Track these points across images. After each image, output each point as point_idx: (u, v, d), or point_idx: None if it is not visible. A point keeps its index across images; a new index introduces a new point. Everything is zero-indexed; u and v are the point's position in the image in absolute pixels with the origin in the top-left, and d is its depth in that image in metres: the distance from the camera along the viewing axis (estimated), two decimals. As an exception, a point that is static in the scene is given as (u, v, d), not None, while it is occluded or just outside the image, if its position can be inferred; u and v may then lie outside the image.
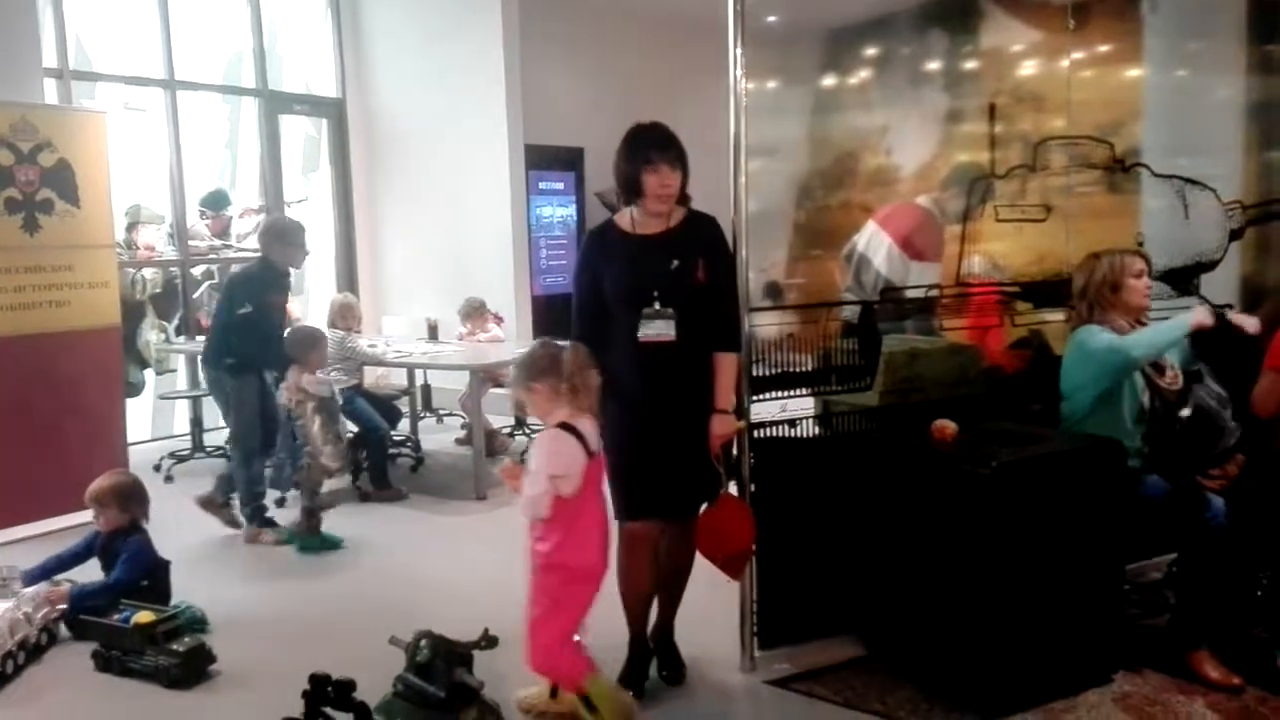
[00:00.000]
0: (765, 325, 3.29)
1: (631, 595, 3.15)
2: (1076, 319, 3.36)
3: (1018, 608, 2.84)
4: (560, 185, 8.90)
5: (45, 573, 3.84)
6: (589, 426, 2.77)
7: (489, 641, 2.74)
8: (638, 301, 2.94)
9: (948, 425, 3.05)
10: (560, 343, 2.93)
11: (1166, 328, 3.17)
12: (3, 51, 5.22)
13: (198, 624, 3.65)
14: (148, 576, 3.80)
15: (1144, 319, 3.31)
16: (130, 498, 3.94)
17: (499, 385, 6.81)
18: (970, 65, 4.69)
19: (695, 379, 2.99)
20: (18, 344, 5.00)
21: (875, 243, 3.72)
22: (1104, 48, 4.21)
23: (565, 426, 2.73)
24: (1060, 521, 2.88)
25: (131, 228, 6.97)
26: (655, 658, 3.23)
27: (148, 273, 7.20)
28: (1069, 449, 3.07)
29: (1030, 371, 3.77)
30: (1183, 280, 3.86)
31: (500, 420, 6.90)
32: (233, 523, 5.01)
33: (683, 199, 3.01)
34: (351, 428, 5.93)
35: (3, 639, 3.38)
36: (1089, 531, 2.94)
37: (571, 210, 9.02)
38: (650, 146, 2.93)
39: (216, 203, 7.62)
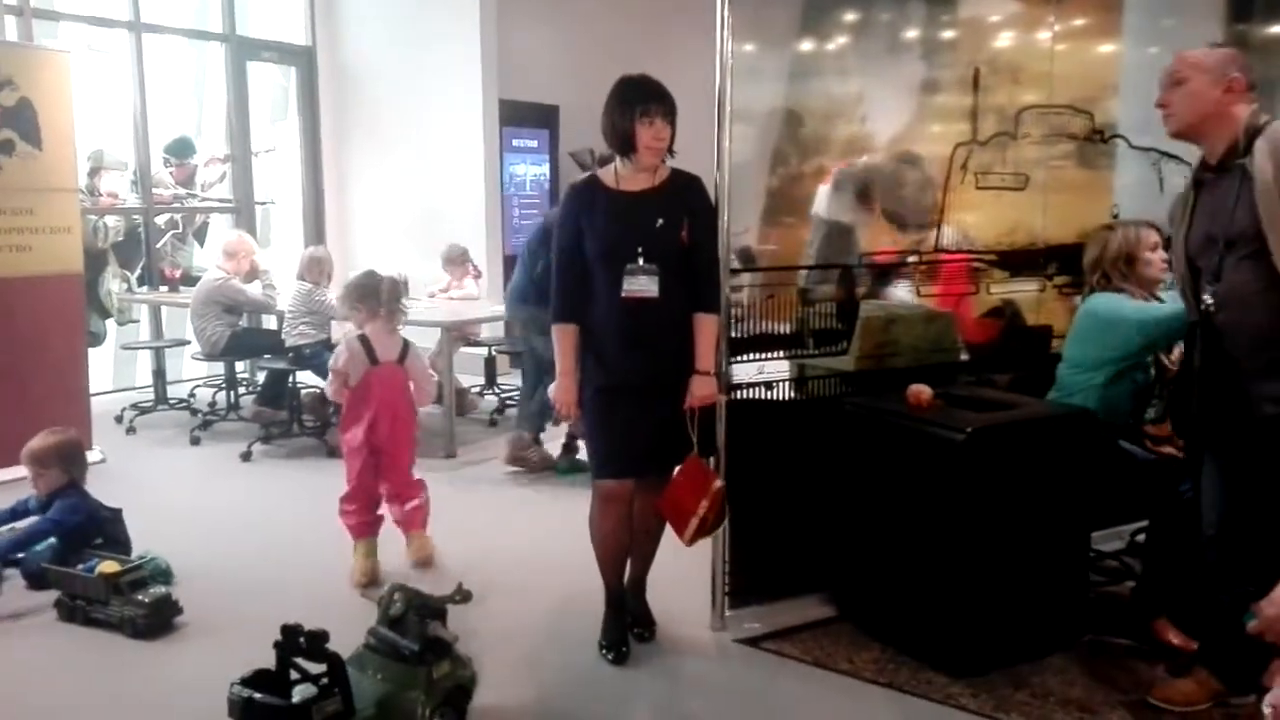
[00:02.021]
0: (743, 288, 3.28)
1: (605, 552, 3.16)
2: (1088, 289, 3.36)
3: (987, 571, 2.88)
4: (534, 143, 8.78)
5: None
6: (385, 341, 3.75)
7: (463, 596, 2.73)
8: (621, 257, 2.92)
9: (923, 390, 3.07)
10: (382, 274, 3.90)
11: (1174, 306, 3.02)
12: (-40, -15, 5.04)
13: (162, 575, 3.61)
14: (95, 529, 3.72)
15: (1157, 293, 3.31)
16: (73, 457, 3.81)
17: (470, 344, 6.77)
18: (949, 34, 4.68)
19: (675, 338, 2.98)
20: (-24, 288, 4.88)
21: (819, 196, 3.74)
22: (1084, 21, 4.22)
23: (361, 338, 3.71)
24: (1031, 488, 2.92)
25: (94, 173, 6.80)
26: (627, 614, 3.24)
27: (110, 220, 7.03)
28: (1042, 416, 3.10)
29: (1002, 340, 3.80)
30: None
31: (470, 379, 6.86)
32: (546, 460, 5.09)
33: (670, 153, 2.98)
34: (319, 383, 5.89)
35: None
36: (1059, 498, 2.98)
37: (545, 170, 8.92)
38: (646, 98, 2.89)
39: (181, 150, 7.45)
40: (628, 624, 3.21)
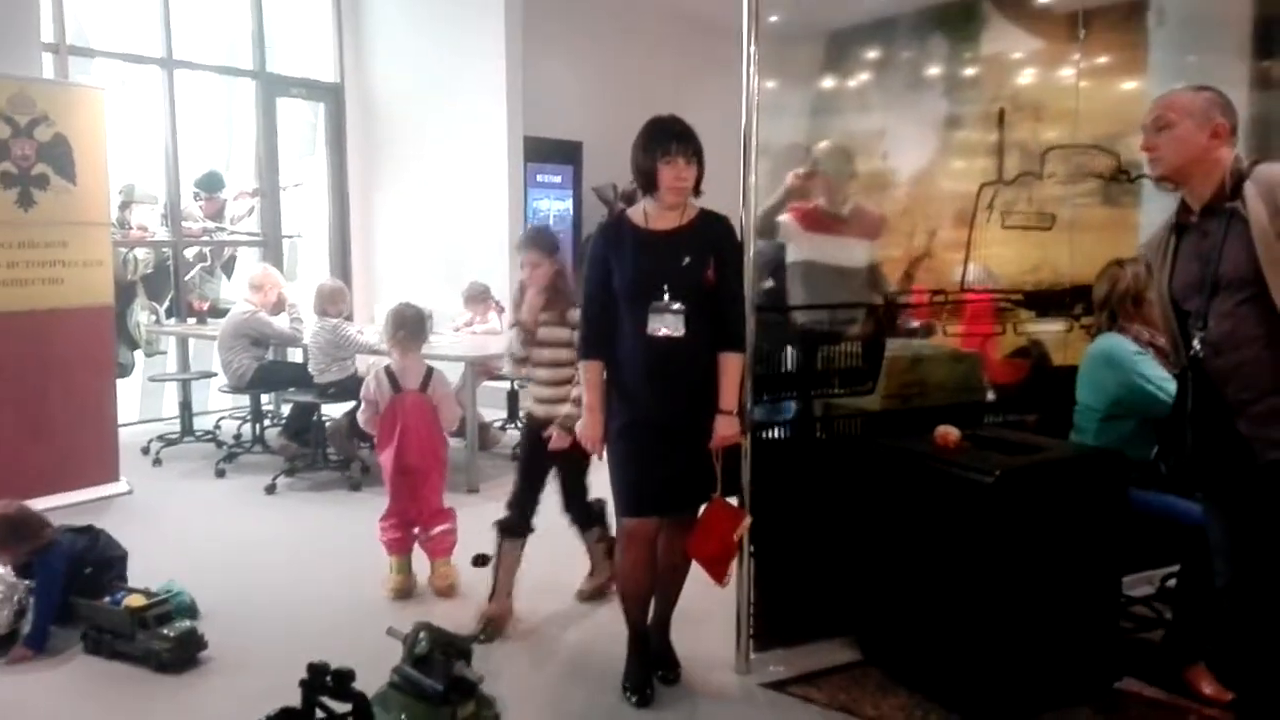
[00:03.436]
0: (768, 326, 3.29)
1: (629, 592, 3.15)
2: (1095, 328, 3.35)
3: (1016, 616, 2.84)
4: (558, 179, 8.86)
5: None
6: (408, 370, 4.03)
7: (488, 635, 2.73)
8: (647, 295, 2.93)
9: (950, 431, 3.05)
10: (405, 306, 4.19)
11: None
12: (1, 25, 5.15)
13: (187, 610, 3.61)
14: (82, 563, 3.57)
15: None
16: (18, 530, 3.48)
17: (492, 378, 6.79)
18: (973, 71, 4.70)
19: (700, 377, 2.97)
20: (9, 320, 4.95)
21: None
22: (1109, 58, 4.23)
23: (386, 368, 4.02)
24: (1060, 531, 2.89)
25: (125, 207, 6.91)
26: (651, 656, 3.21)
27: (140, 253, 7.13)
28: (1071, 458, 3.08)
29: (1029, 380, 3.78)
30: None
31: (493, 414, 6.87)
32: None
33: (696, 193, 2.99)
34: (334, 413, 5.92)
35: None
36: (1088, 542, 2.94)
37: (568, 204, 8.99)
38: (669, 138, 2.91)
39: (211, 185, 7.55)
40: (651, 665, 3.18)
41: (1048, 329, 3.78)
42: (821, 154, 3.61)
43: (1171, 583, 3.46)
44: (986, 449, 3.03)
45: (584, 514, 3.79)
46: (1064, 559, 2.90)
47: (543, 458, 3.55)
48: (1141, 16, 4.45)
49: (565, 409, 3.45)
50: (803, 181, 3.71)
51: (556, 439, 3.45)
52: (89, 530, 3.73)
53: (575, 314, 3.36)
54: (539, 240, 3.61)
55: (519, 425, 6.81)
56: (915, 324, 3.65)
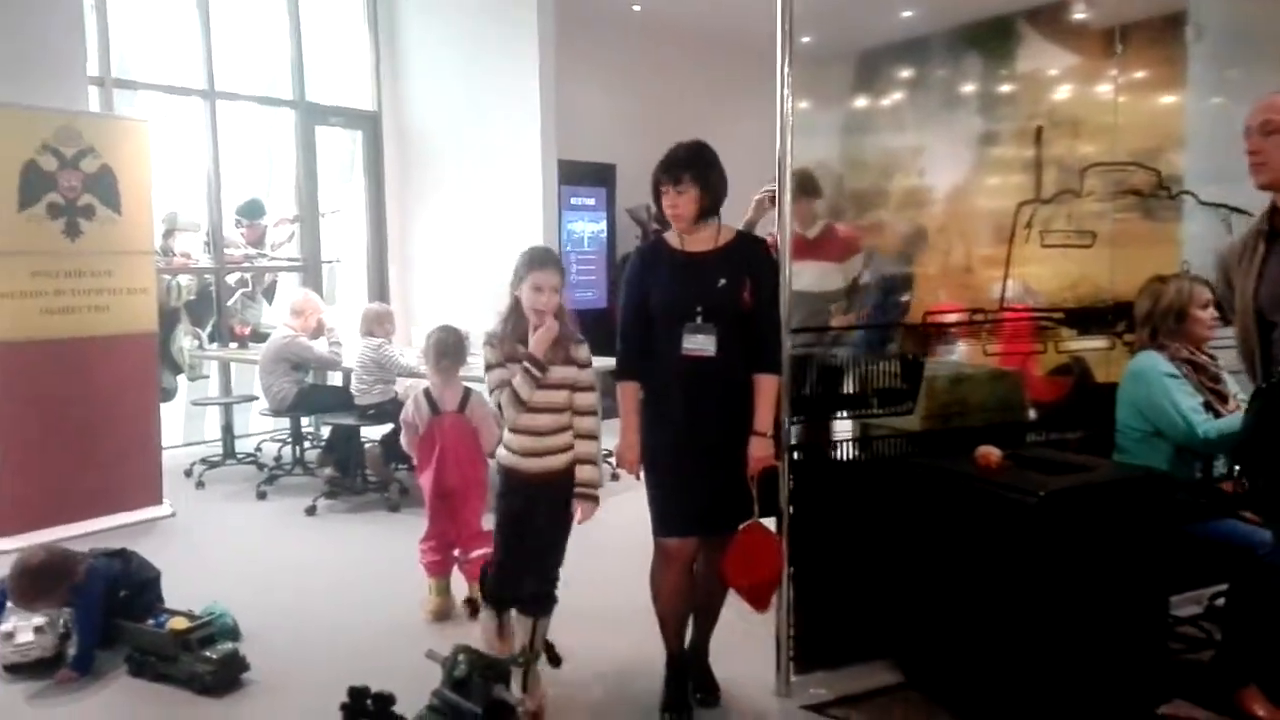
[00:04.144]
0: (805, 347, 3.27)
1: (667, 612, 3.14)
2: (1138, 344, 3.31)
3: (1061, 638, 2.80)
4: (591, 201, 8.92)
5: None
6: (446, 392, 4.02)
7: (526, 658, 2.73)
8: (681, 316, 2.95)
9: (992, 452, 3.01)
10: (443, 329, 4.14)
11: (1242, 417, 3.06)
12: (49, 59, 5.30)
13: (229, 632, 3.65)
14: (117, 587, 3.58)
15: (1205, 350, 3.26)
16: (50, 577, 3.44)
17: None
18: (1008, 88, 4.67)
19: (735, 398, 2.98)
20: (56, 347, 5.06)
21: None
22: (1147, 73, 4.19)
23: (425, 390, 4.02)
24: (1106, 552, 2.84)
25: (169, 234, 7.05)
26: (690, 679, 3.20)
27: (183, 279, 7.27)
28: (1116, 479, 3.03)
29: (1071, 399, 3.73)
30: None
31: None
32: None
33: (709, 214, 2.99)
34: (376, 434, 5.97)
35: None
36: (1135, 562, 2.89)
37: (602, 226, 9.04)
38: (661, 169, 2.98)
39: (252, 212, 7.69)
40: (690, 688, 3.16)
41: (1090, 346, 3.73)
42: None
43: (1220, 602, 3.40)
44: (1029, 469, 2.99)
45: (543, 596, 3.09)
46: (1110, 580, 2.86)
47: (537, 522, 3.05)
48: (1179, 31, 4.41)
49: (586, 472, 3.05)
50: (769, 202, 3.74)
51: (584, 514, 3.06)
52: (121, 553, 3.77)
53: (583, 351, 3.08)
54: (558, 261, 3.13)
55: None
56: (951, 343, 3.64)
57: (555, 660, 3.06)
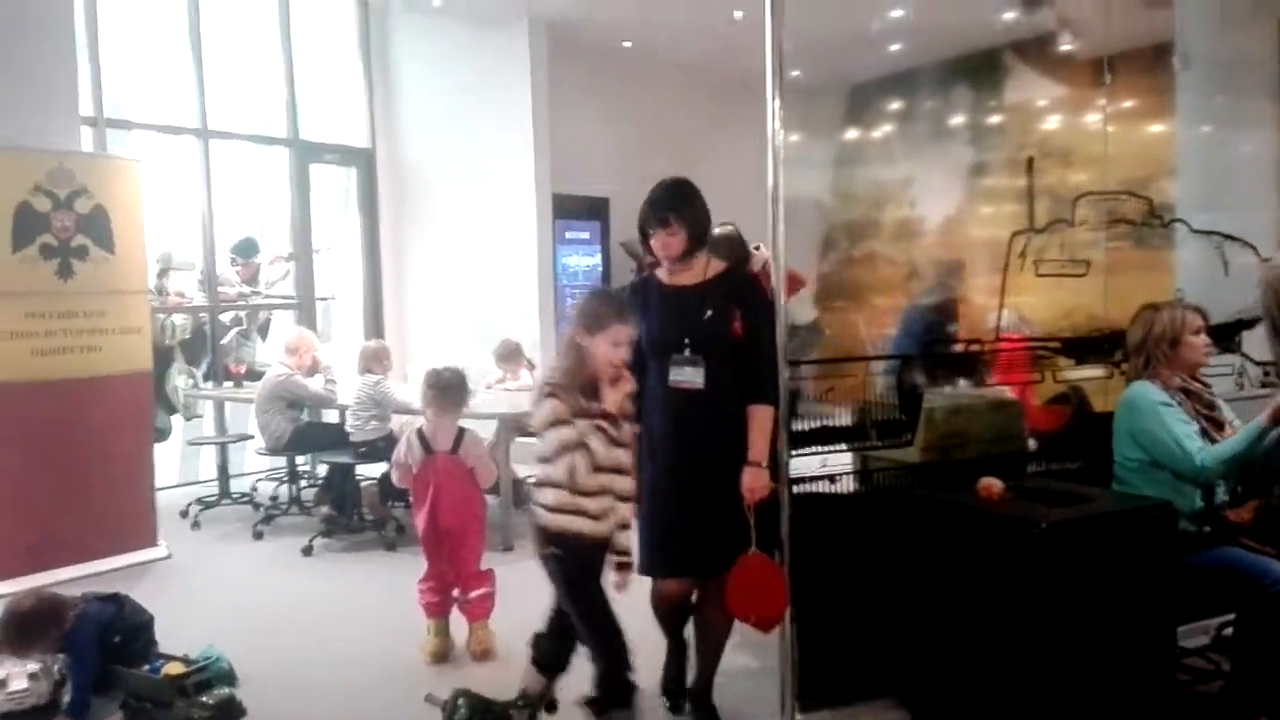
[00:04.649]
0: (801, 379, 3.26)
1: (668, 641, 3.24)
2: (1132, 372, 3.31)
3: (1068, 671, 2.77)
4: (586, 235, 8.94)
5: None
6: (440, 432, 3.94)
7: (526, 702, 2.69)
8: (668, 348, 2.97)
9: (994, 484, 3.00)
10: (439, 369, 4.05)
11: (1237, 439, 3.07)
12: (41, 99, 5.31)
13: (225, 677, 3.60)
14: (111, 632, 3.56)
15: (1200, 377, 3.26)
16: (40, 623, 3.39)
17: (526, 434, 6.79)
18: (998, 119, 4.71)
19: (726, 431, 2.96)
20: (49, 388, 5.02)
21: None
22: (1136, 102, 4.23)
23: (418, 430, 3.97)
24: (1112, 583, 2.82)
25: (163, 273, 7.02)
26: (693, 716, 3.17)
27: (177, 318, 7.24)
28: (1119, 509, 3.01)
29: (1070, 428, 3.72)
30: (1225, 337, 3.81)
31: (526, 469, 6.85)
32: None
33: (696, 248, 3.02)
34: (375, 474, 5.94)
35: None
36: (1141, 593, 2.87)
37: (597, 260, 9.05)
38: (649, 210, 3.01)
39: (246, 250, 7.68)
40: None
41: (1087, 375, 3.73)
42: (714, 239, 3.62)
43: (1228, 632, 3.37)
44: (1031, 500, 2.97)
45: (563, 654, 3.00)
46: (1115, 611, 2.83)
47: (591, 585, 2.85)
48: (1167, 60, 4.46)
49: (623, 538, 2.89)
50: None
51: (621, 580, 2.90)
52: (114, 598, 3.73)
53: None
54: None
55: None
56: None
57: (551, 706, 3.02)
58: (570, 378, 2.74)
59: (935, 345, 3.68)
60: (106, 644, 3.54)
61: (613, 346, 2.72)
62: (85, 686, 3.43)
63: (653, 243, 3.01)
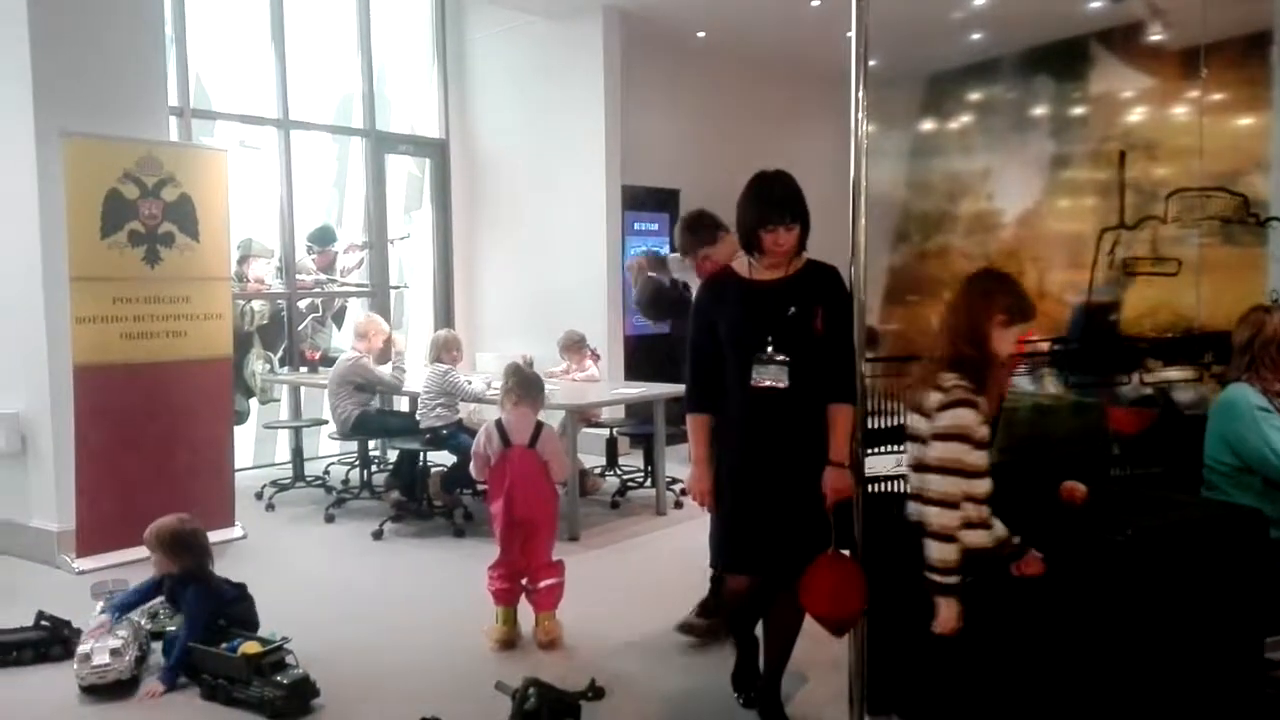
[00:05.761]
0: (877, 376, 3.21)
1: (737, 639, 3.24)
2: (1233, 373, 3.20)
3: (1151, 680, 2.69)
4: (655, 226, 8.93)
5: (125, 607, 3.77)
6: (518, 425, 3.98)
7: (595, 692, 2.70)
8: (751, 347, 2.91)
9: (1077, 487, 2.92)
10: (519, 362, 4.29)
11: None
12: (132, 90, 5.45)
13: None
14: (221, 616, 3.73)
15: None
16: (174, 546, 3.72)
17: (591, 425, 6.82)
18: (1081, 111, 4.58)
19: (807, 429, 2.92)
20: (135, 371, 5.18)
21: None
22: (1228, 95, 4.08)
23: (497, 422, 4.01)
24: (1196, 592, 2.73)
25: (243, 261, 7.19)
26: (759, 716, 3.15)
27: (256, 304, 7.41)
28: (1207, 516, 2.91)
29: (1156, 431, 3.61)
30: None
31: (592, 460, 6.89)
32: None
33: (804, 243, 2.97)
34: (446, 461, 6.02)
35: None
36: (1226, 603, 2.77)
37: (665, 251, 9.03)
38: (769, 206, 2.90)
39: (323, 238, 7.82)
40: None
41: (1175, 377, 3.61)
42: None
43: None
44: (1116, 505, 2.89)
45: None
46: (1200, 621, 2.74)
47: None
48: (1263, 50, 4.29)
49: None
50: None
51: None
52: (241, 588, 3.90)
53: None
54: None
55: (618, 472, 6.82)
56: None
57: (599, 694, 3.12)
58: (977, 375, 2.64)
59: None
60: (213, 624, 3.68)
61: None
62: (187, 651, 3.56)
63: (767, 239, 2.90)
